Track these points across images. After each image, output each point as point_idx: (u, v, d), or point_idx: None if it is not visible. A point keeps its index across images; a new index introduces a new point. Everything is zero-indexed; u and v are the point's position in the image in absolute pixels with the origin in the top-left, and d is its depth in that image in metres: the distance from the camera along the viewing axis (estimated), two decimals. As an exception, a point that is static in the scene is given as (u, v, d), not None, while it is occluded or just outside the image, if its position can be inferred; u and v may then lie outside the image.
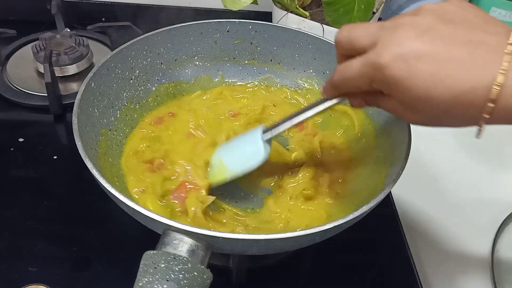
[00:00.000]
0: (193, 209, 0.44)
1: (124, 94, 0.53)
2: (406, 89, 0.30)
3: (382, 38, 0.31)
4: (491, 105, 0.28)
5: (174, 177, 0.48)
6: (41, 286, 0.44)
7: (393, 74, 0.30)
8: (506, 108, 0.29)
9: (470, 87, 0.29)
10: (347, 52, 0.35)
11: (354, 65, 0.34)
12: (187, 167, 0.49)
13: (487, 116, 0.29)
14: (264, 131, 0.46)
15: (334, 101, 0.40)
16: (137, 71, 0.55)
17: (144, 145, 0.51)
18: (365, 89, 0.34)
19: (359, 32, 0.34)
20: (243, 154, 0.47)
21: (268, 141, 0.46)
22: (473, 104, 0.29)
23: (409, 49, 0.30)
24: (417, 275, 0.50)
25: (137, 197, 0.46)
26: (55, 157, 0.59)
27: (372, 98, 0.37)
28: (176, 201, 0.46)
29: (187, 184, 0.47)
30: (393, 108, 0.34)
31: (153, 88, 0.57)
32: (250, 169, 0.46)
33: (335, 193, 0.49)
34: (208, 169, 0.48)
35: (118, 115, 0.52)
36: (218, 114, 0.57)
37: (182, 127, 0.54)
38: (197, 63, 0.60)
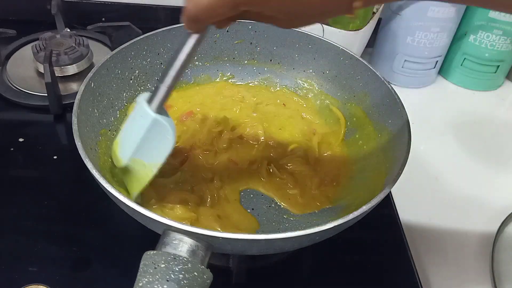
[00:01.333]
0: None
1: (124, 94, 0.53)
2: None
3: None
4: None
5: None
6: (41, 286, 0.44)
7: None
8: None
9: None
10: None
11: None
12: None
13: None
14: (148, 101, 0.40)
15: (197, 36, 0.35)
16: (137, 71, 0.55)
17: None
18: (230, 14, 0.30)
19: None
20: (152, 141, 0.41)
21: (159, 110, 0.40)
22: None
23: None
24: (417, 275, 0.50)
25: None
26: (55, 157, 0.59)
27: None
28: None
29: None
30: (263, 16, 0.31)
31: (153, 88, 0.57)
32: (169, 152, 0.41)
33: (325, 197, 0.49)
34: (126, 177, 0.44)
35: (118, 115, 0.52)
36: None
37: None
38: (196, 63, 0.60)
